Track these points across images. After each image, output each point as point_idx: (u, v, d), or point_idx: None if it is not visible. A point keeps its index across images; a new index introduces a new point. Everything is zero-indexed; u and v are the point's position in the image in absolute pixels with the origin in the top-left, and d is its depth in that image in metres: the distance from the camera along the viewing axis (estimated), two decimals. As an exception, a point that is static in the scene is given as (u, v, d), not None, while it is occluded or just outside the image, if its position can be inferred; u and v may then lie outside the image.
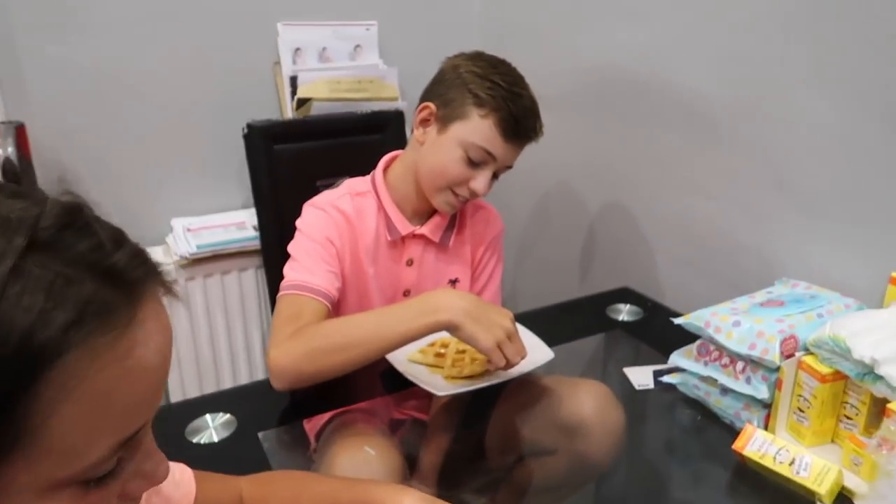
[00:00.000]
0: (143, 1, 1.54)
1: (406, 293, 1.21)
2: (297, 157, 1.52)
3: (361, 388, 1.09)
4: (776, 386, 0.91)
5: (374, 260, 1.16)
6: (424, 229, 1.18)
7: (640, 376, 1.10)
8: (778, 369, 0.90)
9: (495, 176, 1.11)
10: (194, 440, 0.96)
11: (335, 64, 1.71)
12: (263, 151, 1.49)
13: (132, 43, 1.56)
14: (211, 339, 1.67)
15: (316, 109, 1.63)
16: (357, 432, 1.00)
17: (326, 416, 1.02)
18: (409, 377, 1.02)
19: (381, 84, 1.71)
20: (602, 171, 1.56)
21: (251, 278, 1.67)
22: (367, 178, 1.19)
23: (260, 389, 1.09)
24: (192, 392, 1.68)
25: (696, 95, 1.27)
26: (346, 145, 1.58)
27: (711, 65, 1.24)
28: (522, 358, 0.98)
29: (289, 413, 1.03)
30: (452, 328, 0.94)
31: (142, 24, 1.55)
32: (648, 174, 1.42)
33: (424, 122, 1.12)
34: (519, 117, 1.06)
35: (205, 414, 1.00)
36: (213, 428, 0.99)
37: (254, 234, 1.63)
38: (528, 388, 1.07)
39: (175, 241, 1.61)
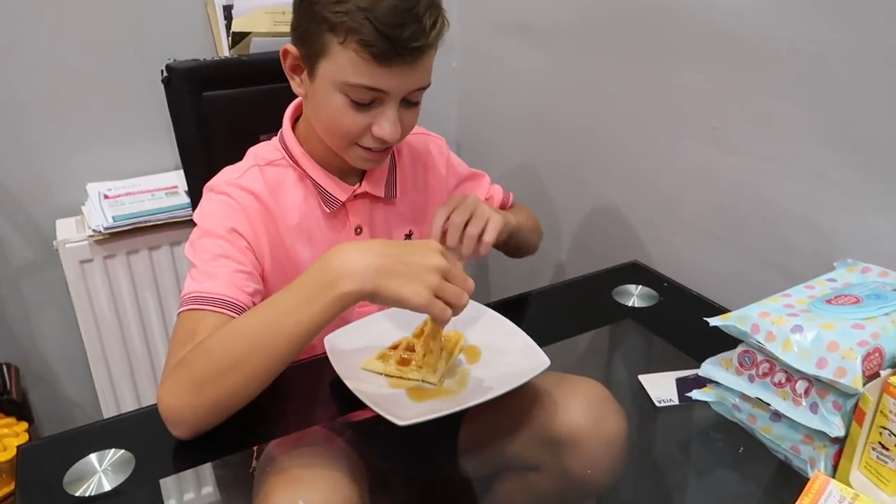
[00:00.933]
0: None
1: (357, 230, 0.99)
2: (233, 106, 1.23)
3: (311, 405, 0.86)
4: (853, 416, 0.67)
5: (310, 240, 0.94)
6: (365, 185, 0.96)
7: (661, 387, 0.86)
8: (858, 396, 0.66)
9: (410, 104, 0.87)
10: (77, 493, 0.72)
11: (280, -10, 1.41)
12: (189, 99, 1.20)
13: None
14: (142, 327, 1.41)
15: (256, 47, 1.35)
16: (295, 466, 0.76)
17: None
18: (363, 398, 0.77)
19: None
20: (606, 118, 1.27)
21: (186, 253, 1.41)
22: (274, 140, 0.96)
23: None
24: (125, 391, 1.44)
25: (729, 21, 0.99)
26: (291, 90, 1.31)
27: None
28: (469, 292, 0.74)
29: (208, 444, 0.79)
30: (368, 296, 0.70)
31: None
32: (664, 122, 1.14)
33: (293, 70, 0.90)
34: (388, 27, 0.77)
35: (88, 454, 0.76)
36: (101, 472, 0.75)
37: (187, 200, 1.36)
38: None
39: (90, 211, 1.33)
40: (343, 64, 0.80)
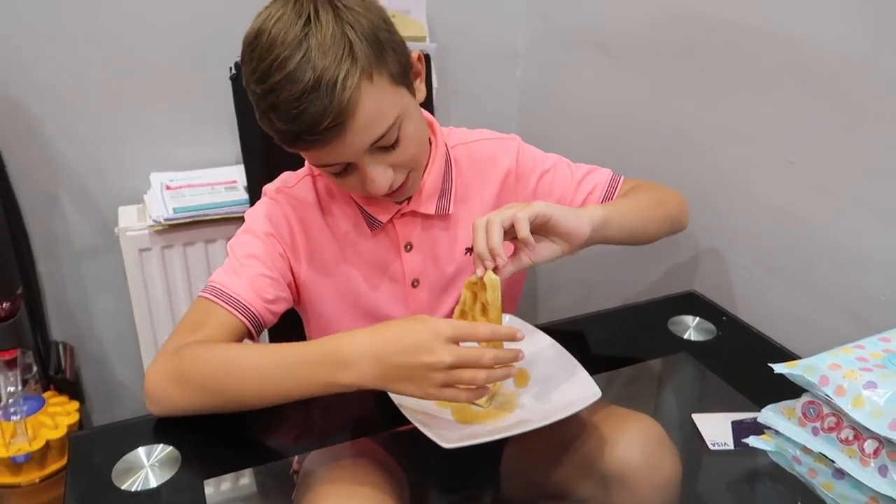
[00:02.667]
0: None
1: (415, 283, 0.97)
2: (297, 106, 1.24)
3: (355, 417, 0.86)
4: (926, 484, 0.63)
5: (357, 254, 0.94)
6: (413, 203, 0.93)
7: (715, 429, 0.83)
8: (934, 463, 0.62)
9: (386, 148, 0.80)
10: (123, 486, 0.73)
11: (351, -7, 1.41)
12: (255, 98, 1.22)
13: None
14: (192, 317, 1.43)
15: (323, 48, 1.35)
16: (337, 479, 0.76)
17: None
18: (409, 416, 0.76)
19: (404, 20, 1.42)
20: (675, 140, 1.24)
21: (240, 248, 1.42)
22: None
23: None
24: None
25: (814, 53, 0.95)
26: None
27: (838, 9, 0.91)
28: (489, 367, 0.70)
29: (253, 448, 0.79)
30: (370, 388, 0.72)
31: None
32: (737, 151, 1.10)
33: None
34: (291, 118, 0.72)
35: (137, 447, 0.77)
36: (148, 468, 0.75)
37: (245, 196, 1.37)
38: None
39: (152, 200, 1.36)
40: (293, 149, 0.79)
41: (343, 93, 0.71)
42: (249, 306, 0.84)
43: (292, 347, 0.75)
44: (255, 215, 0.92)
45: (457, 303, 0.82)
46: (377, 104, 0.75)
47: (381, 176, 0.80)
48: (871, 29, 0.88)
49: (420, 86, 0.86)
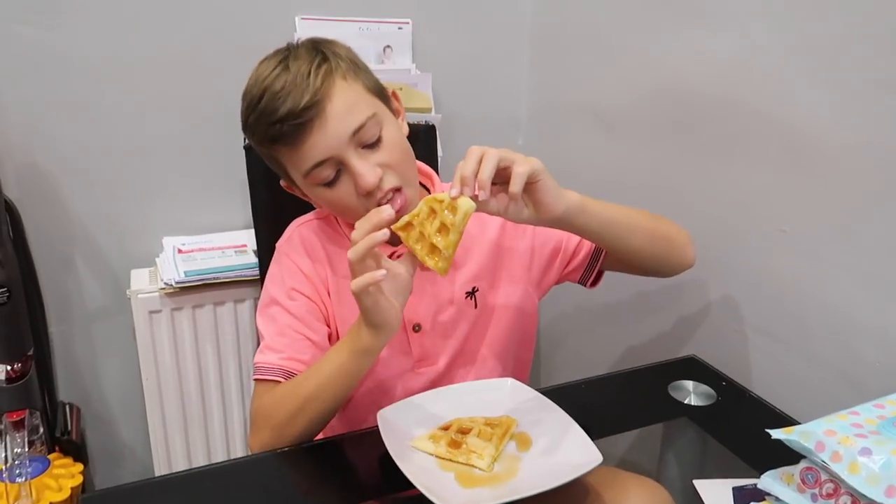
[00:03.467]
0: (139, -16, 1.34)
1: (416, 328, 1.00)
2: (307, 175, 1.29)
3: (360, 480, 0.88)
4: (924, 551, 0.64)
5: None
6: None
7: (716, 495, 0.83)
8: (929, 530, 0.63)
9: (371, 145, 0.87)
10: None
11: (360, 67, 1.48)
12: (266, 166, 1.26)
13: (125, 30, 1.35)
14: (199, 379, 1.45)
15: (333, 119, 1.41)
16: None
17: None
18: (412, 479, 0.78)
19: (411, 92, 1.48)
20: (670, 208, 1.26)
21: (248, 311, 1.45)
22: None
23: (223, 474, 0.87)
24: (177, 440, 1.47)
25: (803, 124, 1.00)
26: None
27: (824, 87, 0.96)
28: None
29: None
30: (372, 333, 0.84)
31: (137, 7, 1.35)
32: (731, 219, 1.14)
33: (304, 195, 0.97)
34: (271, 116, 0.84)
35: (146, 510, 0.78)
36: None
37: (255, 260, 1.41)
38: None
39: (163, 263, 1.40)
40: (290, 165, 0.89)
41: (317, 78, 0.83)
42: (293, 372, 0.92)
43: (327, 352, 0.90)
44: (274, 278, 0.99)
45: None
46: (352, 97, 0.86)
47: (370, 171, 0.85)
48: (855, 104, 0.93)
49: (402, 123, 0.95)
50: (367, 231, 0.79)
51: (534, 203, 0.83)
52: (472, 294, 1.02)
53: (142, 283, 1.40)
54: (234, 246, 1.46)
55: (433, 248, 0.81)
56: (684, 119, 1.22)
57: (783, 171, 1.04)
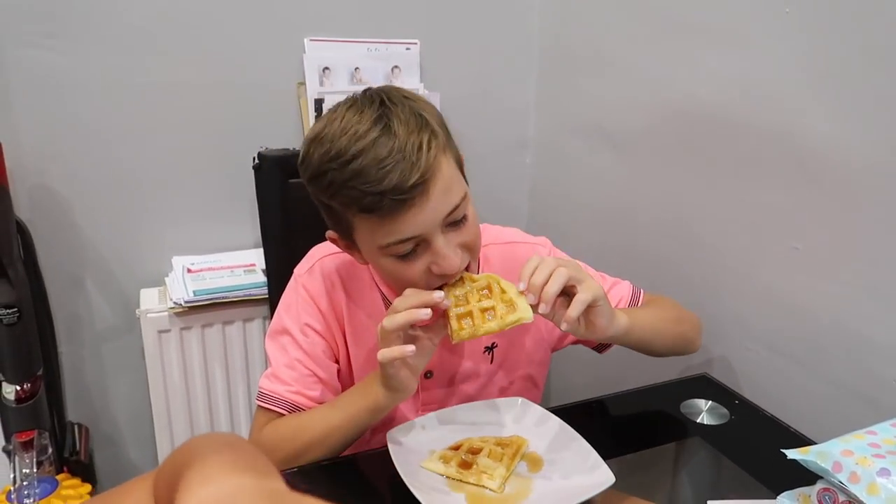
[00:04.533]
0: (151, 7, 1.35)
1: (428, 375, 0.98)
2: (316, 194, 1.29)
3: (370, 502, 0.87)
4: (947, 575, 0.62)
5: (372, 339, 0.95)
6: None
7: (731, 517, 0.82)
8: (952, 553, 0.61)
9: (456, 224, 0.82)
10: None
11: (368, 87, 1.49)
12: (276, 185, 1.27)
13: (136, 54, 1.37)
14: (208, 399, 1.45)
15: (342, 138, 1.41)
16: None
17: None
18: (423, 501, 0.77)
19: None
20: (681, 227, 1.27)
21: (257, 330, 1.45)
22: None
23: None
24: (183, 458, 1.46)
25: (812, 142, 0.99)
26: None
27: (836, 105, 0.96)
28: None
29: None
30: (388, 395, 0.85)
31: (148, 33, 1.37)
32: (742, 237, 1.14)
33: (350, 250, 0.89)
34: (375, 185, 0.74)
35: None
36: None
37: (263, 279, 1.41)
38: None
39: (173, 283, 1.40)
40: (367, 231, 0.80)
41: (428, 153, 0.76)
42: (298, 406, 0.92)
43: (339, 396, 0.93)
44: (288, 307, 0.96)
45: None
46: (451, 175, 0.80)
47: (456, 255, 0.81)
48: (867, 121, 0.92)
49: None
50: (413, 305, 0.78)
51: (587, 323, 0.85)
52: (490, 349, 1.02)
53: (151, 302, 1.40)
54: (243, 265, 1.47)
55: (465, 315, 0.82)
56: (694, 138, 1.21)
57: (795, 188, 1.03)
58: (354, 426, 0.88)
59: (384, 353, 0.79)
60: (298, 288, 0.96)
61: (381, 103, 0.79)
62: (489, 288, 0.83)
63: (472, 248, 0.85)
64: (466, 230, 0.83)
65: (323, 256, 0.98)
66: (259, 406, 0.94)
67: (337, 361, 0.97)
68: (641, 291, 1.07)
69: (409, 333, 0.81)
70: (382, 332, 0.80)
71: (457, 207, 0.80)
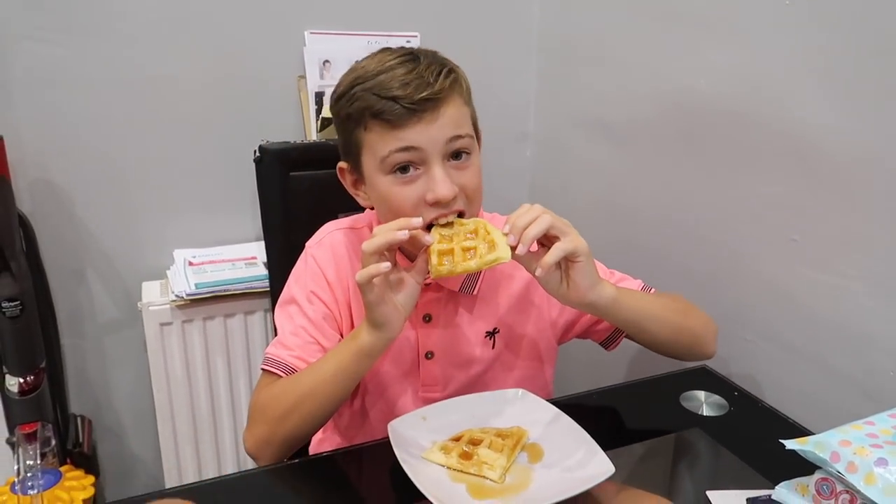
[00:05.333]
0: (152, 0, 1.35)
1: (429, 355, 0.99)
2: (317, 186, 1.29)
3: (372, 492, 0.88)
4: (943, 563, 0.63)
5: None
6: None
7: (730, 506, 0.83)
8: (948, 542, 0.62)
9: (458, 160, 0.88)
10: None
11: (369, 80, 1.49)
12: (277, 179, 1.27)
13: (137, 48, 1.38)
14: (210, 391, 1.45)
15: (342, 132, 1.42)
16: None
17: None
18: (424, 492, 0.77)
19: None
20: (680, 219, 1.28)
21: (259, 323, 1.45)
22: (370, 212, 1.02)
23: (236, 484, 0.87)
24: (187, 451, 1.47)
25: (811, 134, 1.00)
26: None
27: (834, 97, 0.96)
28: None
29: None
30: (374, 334, 0.85)
31: (149, 26, 1.37)
32: (740, 229, 1.14)
33: (354, 185, 0.96)
34: (392, 90, 0.84)
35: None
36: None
37: (265, 272, 1.42)
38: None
39: (174, 276, 1.41)
40: (373, 143, 0.86)
41: (444, 80, 0.85)
42: (298, 369, 0.92)
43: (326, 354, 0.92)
44: (298, 277, 0.99)
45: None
46: (463, 114, 0.89)
47: (445, 181, 0.85)
48: (866, 113, 0.92)
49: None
50: (392, 228, 0.80)
51: (568, 280, 0.86)
52: (492, 335, 1.02)
53: (153, 295, 1.41)
54: (244, 258, 1.47)
55: (447, 253, 0.83)
56: (693, 130, 1.22)
57: (793, 180, 1.03)
58: (344, 374, 0.87)
59: (361, 273, 0.80)
60: (308, 258, 0.99)
61: (413, 48, 0.90)
62: (475, 231, 0.84)
63: (470, 196, 0.89)
64: (467, 173, 0.88)
65: (333, 230, 1.01)
66: (262, 370, 0.95)
67: (341, 333, 0.98)
68: (652, 290, 1.07)
69: (393, 275, 0.84)
70: (363, 256, 0.81)
71: (461, 138, 0.87)
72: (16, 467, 1.26)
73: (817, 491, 0.74)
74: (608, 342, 1.07)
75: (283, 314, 0.98)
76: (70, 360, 1.50)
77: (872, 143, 0.92)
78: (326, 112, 1.43)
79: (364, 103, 0.85)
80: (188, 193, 1.50)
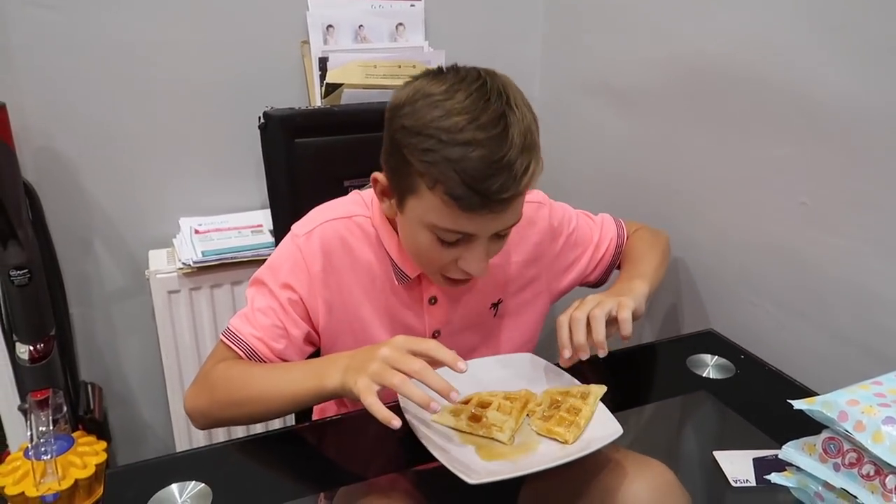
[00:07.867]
0: (153, -34, 1.34)
1: (436, 334, 0.99)
2: (323, 153, 1.29)
3: (381, 453, 0.88)
4: (948, 519, 0.64)
5: (381, 302, 0.96)
6: None
7: (737, 466, 0.84)
8: (954, 498, 0.63)
9: (500, 237, 0.86)
10: (156, 521, 0.75)
11: (373, 45, 1.47)
12: (282, 145, 1.26)
13: (140, 13, 1.36)
14: (218, 358, 1.46)
15: (347, 97, 1.40)
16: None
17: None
18: (434, 452, 0.78)
19: (421, 67, 1.47)
20: (689, 184, 1.27)
21: (265, 290, 1.46)
22: (368, 194, 0.97)
23: (246, 448, 0.89)
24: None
25: (821, 97, 0.98)
26: (379, 141, 1.35)
27: (845, 58, 0.95)
28: (417, 374, 0.75)
29: (282, 485, 0.82)
30: (342, 392, 0.80)
31: (152, -8, 1.35)
32: (750, 192, 1.13)
33: (383, 194, 0.89)
34: (477, 180, 0.75)
35: (170, 483, 0.79)
36: (181, 503, 0.78)
37: (271, 240, 1.42)
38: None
39: (181, 244, 1.41)
40: (431, 207, 0.80)
41: (530, 177, 0.79)
42: (259, 354, 0.91)
43: (302, 363, 0.92)
44: (276, 262, 0.94)
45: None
46: (524, 198, 0.84)
47: (482, 262, 0.85)
48: (877, 75, 0.91)
49: None
50: (434, 385, 0.75)
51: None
52: (496, 305, 1.03)
53: (160, 263, 1.41)
54: (250, 226, 1.47)
55: (560, 421, 0.84)
56: (701, 93, 1.20)
57: (803, 143, 1.02)
58: (296, 401, 0.85)
59: (371, 403, 0.74)
60: (293, 247, 0.93)
61: (507, 102, 0.79)
62: (555, 401, 0.87)
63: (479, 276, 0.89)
64: (500, 244, 0.88)
65: (325, 221, 0.94)
66: (221, 340, 0.93)
67: (314, 328, 0.95)
68: (623, 226, 1.13)
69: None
70: (389, 357, 0.76)
71: (512, 226, 0.85)
72: (28, 434, 1.27)
73: (824, 450, 0.74)
74: (598, 284, 1.14)
75: (255, 290, 0.94)
76: (79, 328, 1.51)
77: (883, 107, 0.90)
78: (331, 78, 1.41)
79: (441, 175, 0.76)
80: (193, 161, 1.49)
